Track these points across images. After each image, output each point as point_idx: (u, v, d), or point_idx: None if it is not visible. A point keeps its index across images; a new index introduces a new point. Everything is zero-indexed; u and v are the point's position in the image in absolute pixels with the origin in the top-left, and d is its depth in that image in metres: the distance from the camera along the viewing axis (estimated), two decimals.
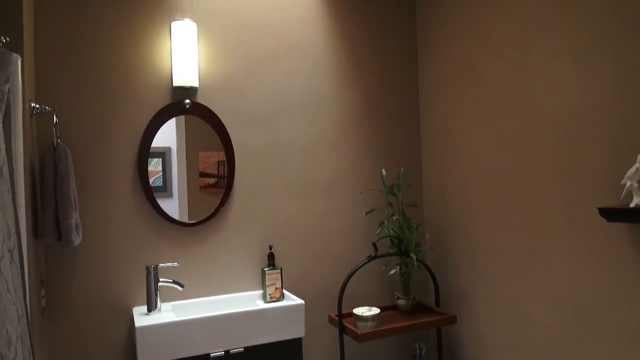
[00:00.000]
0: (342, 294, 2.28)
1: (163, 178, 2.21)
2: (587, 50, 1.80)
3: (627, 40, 1.67)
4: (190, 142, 2.27)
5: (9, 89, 1.57)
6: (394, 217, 2.49)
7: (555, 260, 1.97)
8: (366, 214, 2.57)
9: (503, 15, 2.18)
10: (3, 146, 1.44)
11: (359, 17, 2.63)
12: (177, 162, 2.24)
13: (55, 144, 1.90)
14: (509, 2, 2.14)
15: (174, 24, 2.19)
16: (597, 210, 1.68)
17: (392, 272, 2.50)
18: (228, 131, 2.32)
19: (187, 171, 2.25)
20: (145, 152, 2.16)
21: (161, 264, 2.11)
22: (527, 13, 2.05)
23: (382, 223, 2.46)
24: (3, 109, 1.55)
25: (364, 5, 2.64)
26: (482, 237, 2.35)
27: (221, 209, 2.30)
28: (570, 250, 1.90)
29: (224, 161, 2.32)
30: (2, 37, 1.58)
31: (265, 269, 2.27)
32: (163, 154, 2.21)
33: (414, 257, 2.34)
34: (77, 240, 1.90)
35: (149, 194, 2.16)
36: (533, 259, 2.07)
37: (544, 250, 2.02)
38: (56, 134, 1.92)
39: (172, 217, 2.20)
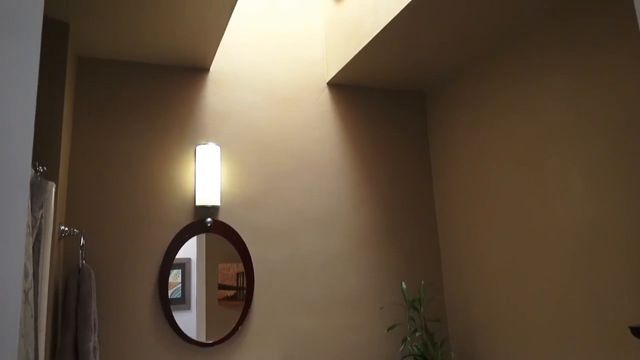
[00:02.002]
0: None
1: (182, 290, 2.22)
2: (599, 166, 1.85)
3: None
4: (210, 255, 2.30)
5: (42, 214, 1.65)
6: (417, 333, 2.41)
7: None
8: (388, 330, 2.49)
9: (512, 128, 2.27)
10: (31, 271, 1.48)
11: (372, 133, 2.75)
12: (197, 273, 2.26)
13: (80, 266, 1.94)
14: (517, 116, 2.24)
15: (198, 148, 2.32)
16: (629, 329, 1.61)
17: None
18: (247, 247, 2.35)
19: (206, 283, 2.26)
20: (166, 269, 2.19)
21: None
22: (537, 128, 2.14)
23: (405, 340, 2.37)
24: (35, 234, 1.62)
25: (376, 122, 2.78)
26: (509, 354, 2.24)
27: (240, 327, 2.26)
28: None
29: (243, 273, 2.33)
30: (40, 167, 1.70)
31: None
32: (183, 265, 2.24)
33: None
34: None
35: (169, 314, 2.15)
36: None
37: None
38: (82, 256, 1.97)
39: (189, 337, 2.16)
